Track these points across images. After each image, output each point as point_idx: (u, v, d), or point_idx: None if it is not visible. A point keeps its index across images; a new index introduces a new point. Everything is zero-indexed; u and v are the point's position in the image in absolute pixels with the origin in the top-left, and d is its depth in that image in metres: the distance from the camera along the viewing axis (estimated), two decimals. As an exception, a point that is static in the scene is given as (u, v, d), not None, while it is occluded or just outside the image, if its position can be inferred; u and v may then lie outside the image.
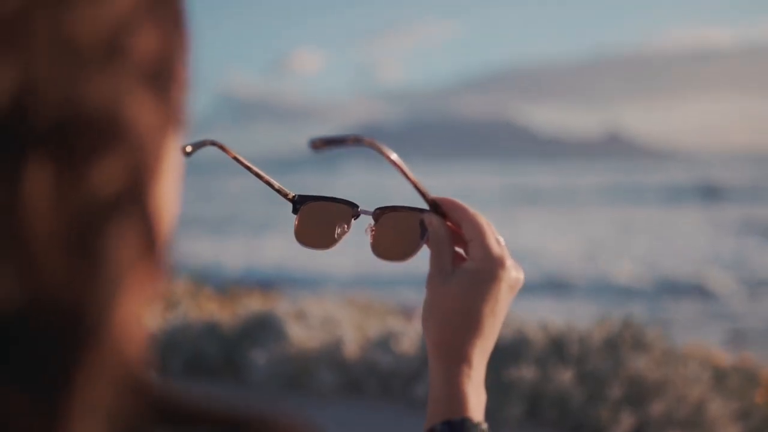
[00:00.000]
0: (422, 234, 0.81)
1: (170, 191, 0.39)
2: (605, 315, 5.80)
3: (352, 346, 5.66)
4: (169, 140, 0.38)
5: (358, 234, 0.88)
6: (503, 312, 0.76)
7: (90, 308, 0.34)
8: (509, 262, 0.76)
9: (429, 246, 0.80)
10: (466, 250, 0.79)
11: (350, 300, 8.69)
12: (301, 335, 5.81)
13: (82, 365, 0.33)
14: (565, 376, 5.01)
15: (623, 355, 5.13)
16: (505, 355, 5.27)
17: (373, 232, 0.85)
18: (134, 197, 0.35)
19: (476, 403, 0.74)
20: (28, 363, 0.33)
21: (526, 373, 5.06)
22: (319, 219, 0.88)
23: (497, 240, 0.78)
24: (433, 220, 0.79)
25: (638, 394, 4.95)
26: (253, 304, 6.79)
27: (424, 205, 0.81)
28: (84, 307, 0.33)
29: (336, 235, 0.86)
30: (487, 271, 0.75)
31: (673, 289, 17.40)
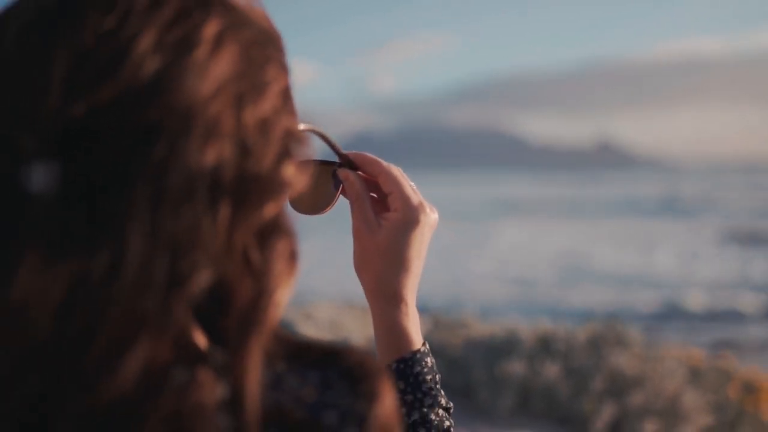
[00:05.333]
0: (336, 185, 0.84)
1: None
2: (589, 316, 6.14)
3: (358, 346, 5.99)
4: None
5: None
6: (426, 249, 0.83)
7: (260, 295, 0.48)
8: (427, 206, 0.82)
9: (349, 199, 0.83)
10: (383, 198, 0.84)
11: (351, 304, 8.92)
12: (311, 336, 6.17)
13: (255, 329, 0.48)
14: (553, 371, 5.36)
15: (605, 352, 5.50)
16: (497, 352, 5.66)
17: None
18: (281, 222, 0.50)
19: (416, 333, 0.82)
20: (223, 328, 0.48)
21: (517, 368, 5.41)
22: None
23: (412, 187, 0.83)
24: (348, 175, 0.83)
25: (619, 387, 5.30)
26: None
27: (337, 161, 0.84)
28: (256, 294, 0.48)
29: None
30: (411, 219, 0.81)
31: (657, 302, 17.27)
